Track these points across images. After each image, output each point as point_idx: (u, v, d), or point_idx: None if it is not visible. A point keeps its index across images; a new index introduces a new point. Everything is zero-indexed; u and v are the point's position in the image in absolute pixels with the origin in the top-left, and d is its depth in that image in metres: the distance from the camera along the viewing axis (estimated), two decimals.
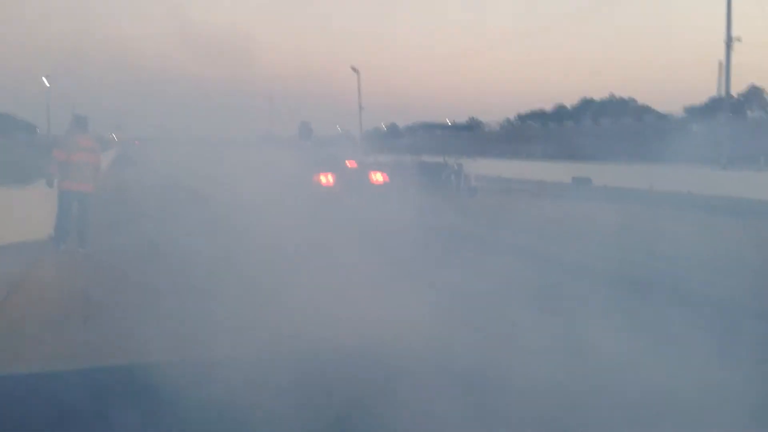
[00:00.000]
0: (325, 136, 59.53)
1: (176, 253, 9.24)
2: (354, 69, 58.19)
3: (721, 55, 28.81)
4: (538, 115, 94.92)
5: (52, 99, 61.20)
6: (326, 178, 14.05)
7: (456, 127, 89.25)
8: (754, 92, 72.40)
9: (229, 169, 30.13)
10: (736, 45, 27.93)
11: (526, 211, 15.77)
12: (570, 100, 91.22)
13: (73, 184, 9.71)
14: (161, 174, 31.05)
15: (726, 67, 28.80)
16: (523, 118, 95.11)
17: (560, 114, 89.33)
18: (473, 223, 13.26)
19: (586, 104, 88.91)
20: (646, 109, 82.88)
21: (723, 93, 32.51)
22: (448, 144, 48.81)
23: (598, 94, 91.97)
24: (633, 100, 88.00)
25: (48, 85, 63.28)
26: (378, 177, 14.44)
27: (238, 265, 8.44)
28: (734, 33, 27.69)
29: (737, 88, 69.26)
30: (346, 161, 14.83)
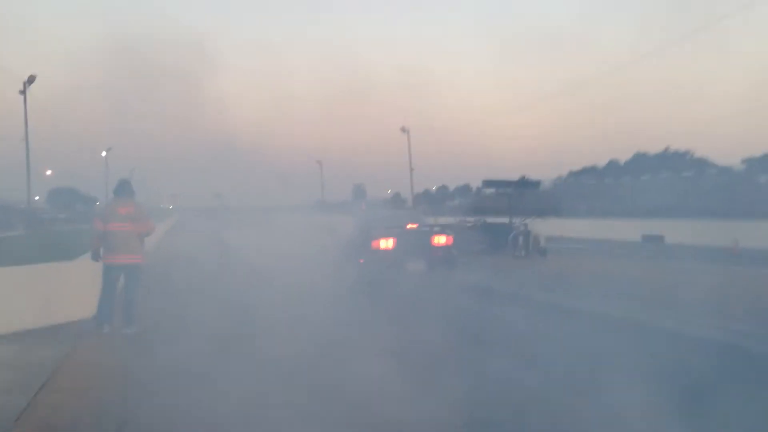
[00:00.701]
0: (376, 198, 58.90)
1: (232, 340, 7.85)
2: (404, 129, 57.74)
3: None
4: (590, 172, 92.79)
5: (112, 171, 62.20)
6: (386, 243, 12.87)
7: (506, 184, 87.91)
8: None
9: (285, 238, 29.47)
10: None
11: (608, 275, 14.30)
12: (623, 155, 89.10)
13: (116, 256, 8.78)
14: (214, 243, 30.68)
15: None
16: (575, 175, 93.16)
17: (613, 169, 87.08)
18: (556, 292, 11.89)
19: (640, 158, 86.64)
20: (703, 162, 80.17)
21: None
22: (499, 204, 47.60)
23: (652, 148, 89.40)
24: (690, 153, 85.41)
25: (104, 154, 64.65)
26: (441, 240, 13.21)
27: (308, 359, 7.01)
28: None
29: None
30: (407, 224, 13.62)
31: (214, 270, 15.68)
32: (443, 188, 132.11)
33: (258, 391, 5.75)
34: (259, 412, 5.23)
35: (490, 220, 21.35)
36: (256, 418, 5.09)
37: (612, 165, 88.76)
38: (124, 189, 9.07)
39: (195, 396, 5.64)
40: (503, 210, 20.55)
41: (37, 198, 62.61)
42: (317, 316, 9.52)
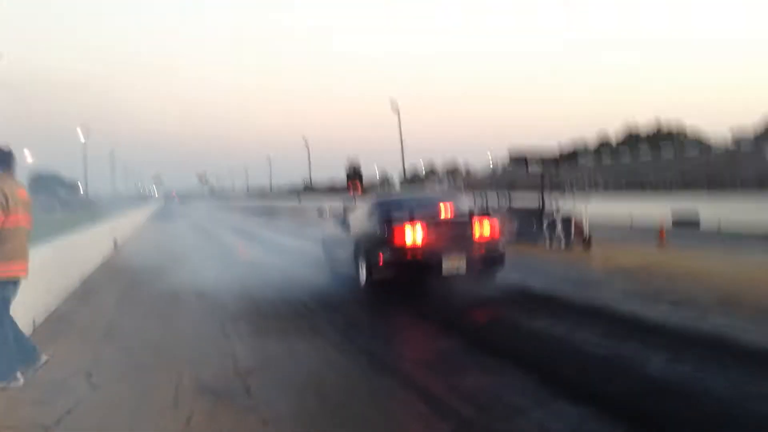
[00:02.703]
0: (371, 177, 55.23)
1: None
2: (394, 105, 53.93)
3: None
4: (580, 146, 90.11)
5: (93, 155, 58.33)
6: (413, 235, 9.48)
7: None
8: None
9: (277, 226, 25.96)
10: None
11: (684, 272, 11.06)
12: (613, 131, 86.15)
13: (16, 265, 5.47)
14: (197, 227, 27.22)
15: None
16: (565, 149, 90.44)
17: (603, 146, 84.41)
18: (643, 300, 8.58)
19: (632, 136, 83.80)
20: (697, 137, 77.30)
21: None
22: (495, 182, 44.21)
23: (641, 124, 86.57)
24: (681, 128, 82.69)
25: (83, 139, 60.59)
26: (486, 231, 9.88)
27: None
28: None
29: None
30: (440, 204, 10.22)
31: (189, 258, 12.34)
32: (431, 172, 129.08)
33: None
34: None
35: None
36: None
37: (602, 142, 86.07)
38: (5, 161, 5.65)
39: None
40: (521, 187, 17.05)
41: None
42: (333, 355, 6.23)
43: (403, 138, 55.49)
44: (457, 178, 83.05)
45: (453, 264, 9.38)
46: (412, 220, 9.49)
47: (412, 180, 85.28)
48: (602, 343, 6.37)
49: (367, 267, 9.97)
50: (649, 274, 10.55)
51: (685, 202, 24.54)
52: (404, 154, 58.50)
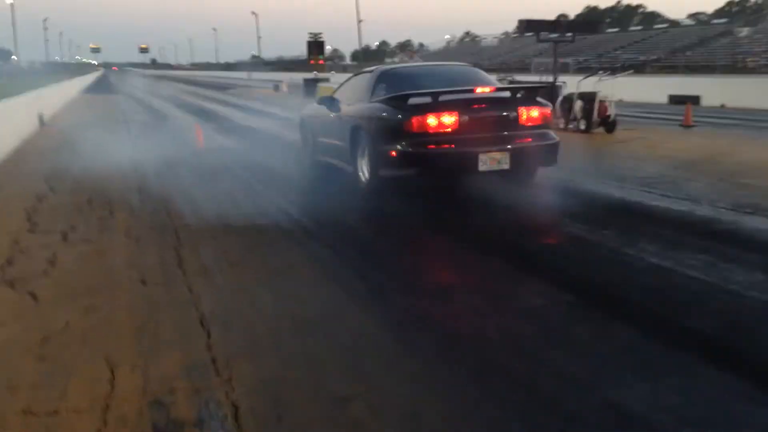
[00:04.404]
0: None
1: None
2: None
3: None
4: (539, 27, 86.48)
5: (26, 21, 52.08)
6: (440, 120, 6.71)
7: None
8: None
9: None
10: None
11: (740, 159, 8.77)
12: (573, 10, 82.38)
13: None
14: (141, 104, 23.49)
15: None
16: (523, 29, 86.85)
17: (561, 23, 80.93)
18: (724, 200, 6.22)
19: (591, 12, 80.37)
20: (656, 16, 74.49)
21: None
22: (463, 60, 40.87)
23: (603, 3, 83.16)
24: (642, 6, 79.67)
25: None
26: (534, 114, 7.13)
27: None
28: None
29: None
30: (474, 86, 7.24)
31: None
32: (383, 44, 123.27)
33: None
34: None
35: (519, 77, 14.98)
36: None
37: (561, 19, 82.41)
38: None
39: None
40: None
41: None
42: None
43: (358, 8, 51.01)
44: (413, 55, 78.69)
45: (494, 157, 6.72)
46: (436, 98, 6.70)
47: (366, 56, 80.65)
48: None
49: (371, 160, 7.23)
50: (727, 169, 8.12)
51: (679, 78, 22.22)
52: (360, 27, 53.97)
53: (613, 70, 13.80)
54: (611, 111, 12.27)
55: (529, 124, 7.01)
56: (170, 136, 14.10)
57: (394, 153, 6.83)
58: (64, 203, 7.00)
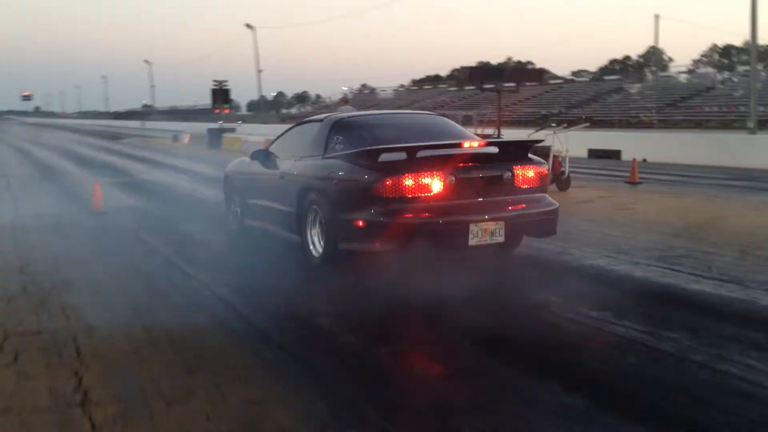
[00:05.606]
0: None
1: None
2: (249, 26, 49.14)
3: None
4: (433, 80, 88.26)
5: None
6: (422, 184, 5.28)
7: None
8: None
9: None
10: None
11: (712, 219, 7.99)
12: (466, 64, 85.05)
13: None
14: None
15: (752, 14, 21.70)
16: (418, 83, 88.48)
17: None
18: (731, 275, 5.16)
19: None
20: (544, 72, 77.87)
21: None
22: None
23: (494, 59, 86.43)
24: (531, 63, 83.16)
25: None
26: (529, 174, 5.83)
27: None
28: None
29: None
30: (462, 140, 5.72)
31: None
32: (280, 95, 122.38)
33: None
34: None
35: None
36: None
37: (454, 74, 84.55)
38: None
39: None
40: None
41: None
42: None
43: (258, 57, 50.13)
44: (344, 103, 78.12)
45: (486, 228, 5.39)
46: (414, 153, 5.33)
47: (262, 105, 78.95)
48: None
49: (327, 230, 5.70)
50: (738, 238, 7.16)
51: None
52: (260, 77, 52.51)
53: (570, 123, 13.05)
54: (565, 167, 11.39)
55: (525, 186, 5.74)
56: (60, 193, 11.94)
57: (360, 223, 5.36)
58: None
